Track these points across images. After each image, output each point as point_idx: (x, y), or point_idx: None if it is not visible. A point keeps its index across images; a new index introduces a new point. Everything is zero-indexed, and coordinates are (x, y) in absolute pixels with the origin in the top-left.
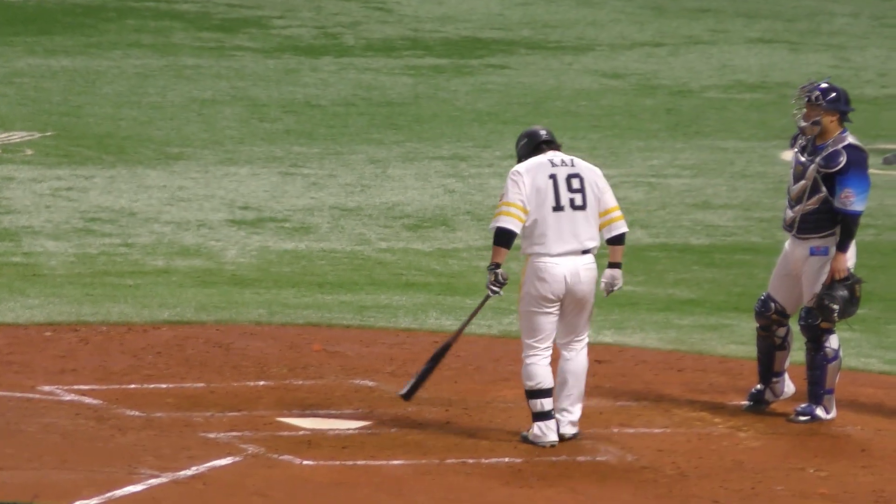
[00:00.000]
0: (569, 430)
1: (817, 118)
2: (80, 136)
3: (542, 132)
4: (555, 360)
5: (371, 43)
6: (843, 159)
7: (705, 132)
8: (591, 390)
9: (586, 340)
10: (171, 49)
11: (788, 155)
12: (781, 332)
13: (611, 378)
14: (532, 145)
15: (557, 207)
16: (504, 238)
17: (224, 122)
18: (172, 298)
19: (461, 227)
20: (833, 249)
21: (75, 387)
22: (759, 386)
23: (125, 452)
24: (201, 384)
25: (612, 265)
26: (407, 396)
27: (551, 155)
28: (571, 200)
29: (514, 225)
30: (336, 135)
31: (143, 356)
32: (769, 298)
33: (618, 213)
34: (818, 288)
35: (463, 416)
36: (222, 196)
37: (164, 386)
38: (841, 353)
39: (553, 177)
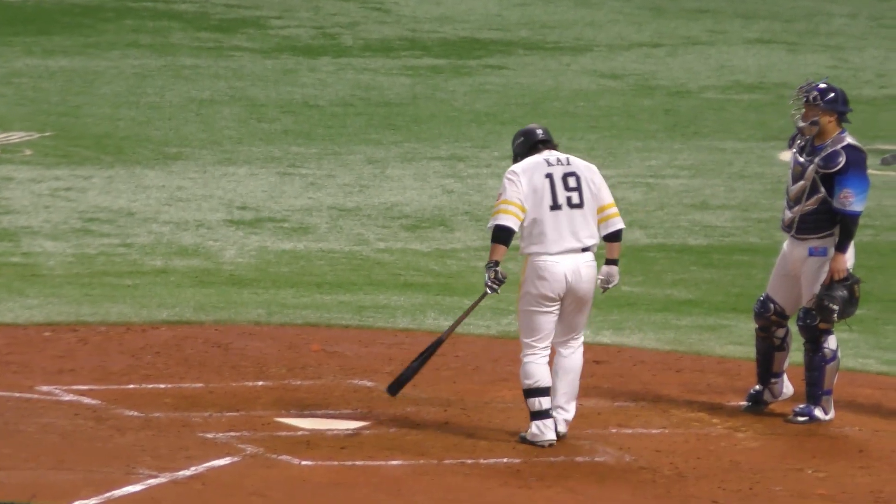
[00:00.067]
0: (563, 428)
1: (815, 118)
2: (78, 136)
3: (539, 131)
4: (550, 361)
5: (369, 43)
6: (843, 160)
7: (703, 133)
8: (589, 390)
9: (582, 339)
10: (170, 49)
11: (787, 155)
12: (780, 332)
13: (609, 378)
14: (528, 144)
15: (555, 206)
16: (503, 235)
17: (222, 123)
18: (171, 298)
19: (459, 228)
20: (832, 250)
21: (74, 387)
22: (757, 387)
23: (123, 452)
24: (200, 384)
25: (609, 262)
26: (393, 391)
27: (547, 154)
28: (569, 199)
29: (512, 223)
30: (334, 135)
31: (141, 356)
32: (768, 299)
33: (614, 210)
34: (817, 288)
35: (461, 417)
36: (221, 196)
37: (162, 386)
38: (839, 354)
39: (549, 176)
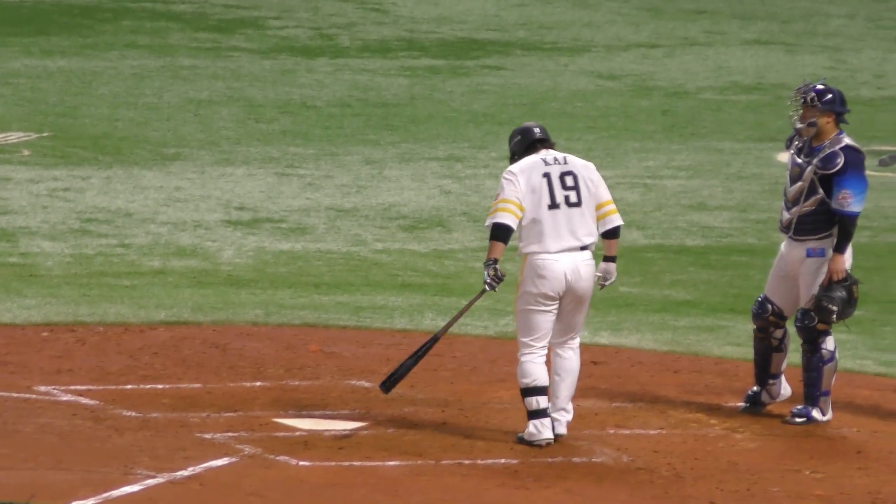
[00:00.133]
0: (564, 430)
1: (813, 119)
2: (76, 136)
3: (536, 129)
4: (547, 362)
5: (367, 44)
6: (841, 160)
7: (701, 133)
8: (587, 391)
9: (579, 340)
10: (168, 50)
11: (784, 156)
12: (778, 333)
13: (607, 379)
14: (526, 143)
15: (553, 206)
16: (501, 233)
17: (220, 123)
18: (169, 299)
19: (457, 228)
20: (830, 251)
21: (72, 387)
22: (755, 388)
23: (122, 453)
24: (198, 385)
25: (607, 258)
26: (386, 388)
27: (544, 154)
28: (566, 198)
29: (511, 220)
30: (332, 136)
31: (139, 357)
32: (766, 300)
33: (612, 207)
34: (815, 289)
35: (459, 417)
36: (218, 197)
37: (160, 386)
38: (837, 355)
39: (547, 175)
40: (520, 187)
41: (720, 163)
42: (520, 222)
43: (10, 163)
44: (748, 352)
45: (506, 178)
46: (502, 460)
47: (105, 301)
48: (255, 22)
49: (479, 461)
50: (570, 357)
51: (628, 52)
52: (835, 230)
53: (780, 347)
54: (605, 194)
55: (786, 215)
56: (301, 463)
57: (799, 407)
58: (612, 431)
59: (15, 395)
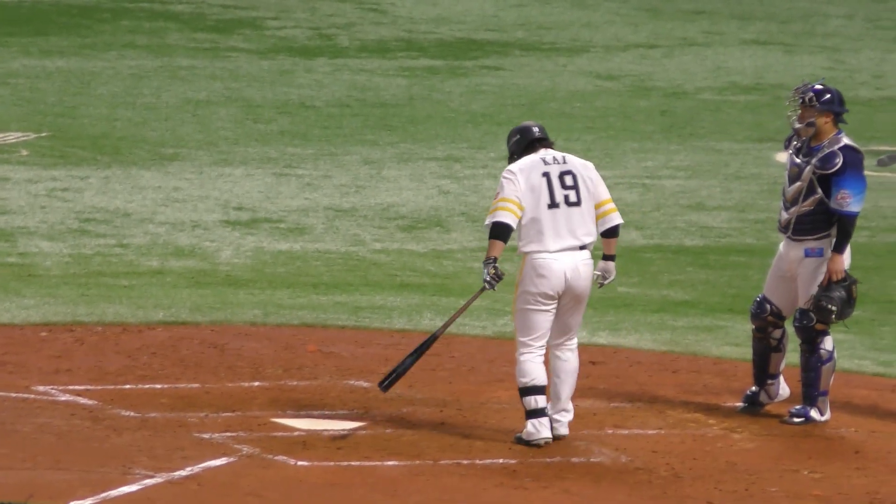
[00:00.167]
0: (566, 430)
1: (811, 119)
2: (75, 136)
3: (535, 129)
4: (545, 363)
5: (365, 44)
6: (840, 160)
7: (700, 134)
8: (586, 391)
9: (576, 340)
10: (166, 50)
11: (783, 156)
12: (777, 333)
13: (605, 379)
14: (525, 142)
15: (552, 205)
16: (501, 231)
17: (218, 123)
18: (167, 299)
19: (456, 229)
20: (828, 251)
21: (70, 387)
22: (753, 388)
23: (120, 453)
24: (196, 385)
25: (606, 257)
26: (385, 387)
27: (543, 153)
28: (566, 197)
29: (510, 219)
30: (330, 136)
31: (137, 357)
32: (765, 300)
33: (611, 206)
34: (814, 290)
35: (457, 417)
36: (217, 197)
37: (158, 386)
38: (835, 355)
39: (546, 175)
40: (519, 186)
41: (719, 163)
42: (519, 221)
43: (8, 163)
44: (746, 352)
45: (505, 178)
46: (500, 460)
47: (103, 301)
48: (254, 22)
49: (477, 461)
50: (570, 358)
51: (627, 52)
52: (833, 230)
53: (779, 347)
54: (604, 193)
55: (784, 215)
56: (299, 463)
57: (797, 407)
58: (610, 431)
59: (13, 394)
